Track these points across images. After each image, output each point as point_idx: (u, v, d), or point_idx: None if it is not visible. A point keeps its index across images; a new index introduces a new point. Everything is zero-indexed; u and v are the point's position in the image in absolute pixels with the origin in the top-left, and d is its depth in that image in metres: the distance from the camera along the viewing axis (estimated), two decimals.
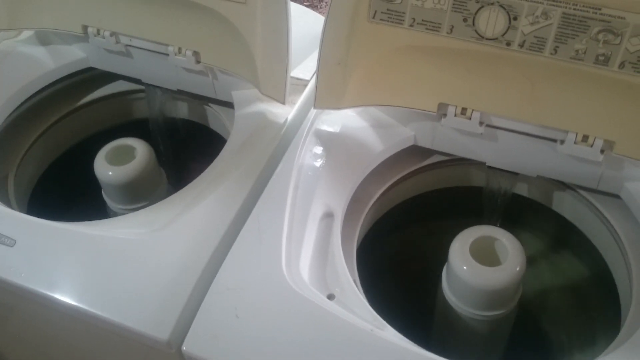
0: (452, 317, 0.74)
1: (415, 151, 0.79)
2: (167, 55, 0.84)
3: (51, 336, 0.75)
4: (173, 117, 1.00)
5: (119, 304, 0.61)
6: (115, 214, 0.88)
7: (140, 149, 0.86)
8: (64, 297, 0.63)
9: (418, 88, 0.71)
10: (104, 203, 0.90)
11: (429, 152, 0.80)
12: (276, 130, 0.78)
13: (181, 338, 0.59)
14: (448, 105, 0.71)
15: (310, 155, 0.73)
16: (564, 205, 0.79)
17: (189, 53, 0.82)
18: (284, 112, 0.80)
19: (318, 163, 0.73)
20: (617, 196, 0.72)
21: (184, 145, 1.04)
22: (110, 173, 0.85)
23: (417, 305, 0.87)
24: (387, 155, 0.77)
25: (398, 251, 0.90)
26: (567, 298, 0.86)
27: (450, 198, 0.85)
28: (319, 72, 0.71)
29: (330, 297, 0.63)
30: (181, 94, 0.94)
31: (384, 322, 0.59)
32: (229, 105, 0.88)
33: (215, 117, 0.94)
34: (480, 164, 0.78)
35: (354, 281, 0.66)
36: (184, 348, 0.58)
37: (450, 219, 0.87)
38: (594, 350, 0.72)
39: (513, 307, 0.72)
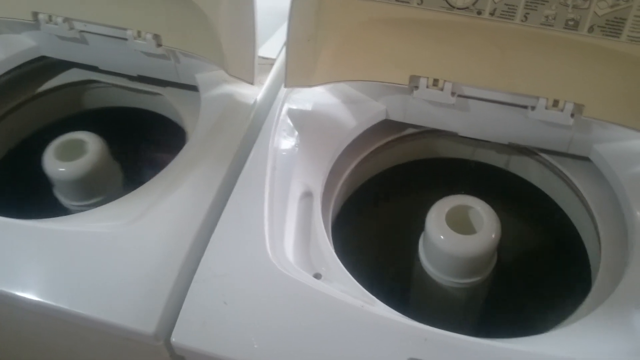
0: (429, 286, 0.75)
1: (387, 125, 0.78)
2: (126, 39, 0.81)
3: (31, 340, 0.72)
4: (123, 106, 0.96)
5: (100, 301, 0.59)
6: (70, 212, 0.85)
7: (91, 142, 0.82)
8: (40, 298, 0.60)
9: (389, 61, 0.71)
10: (56, 200, 0.86)
11: (401, 126, 0.80)
12: (246, 112, 0.76)
13: (168, 330, 0.57)
14: (420, 77, 0.71)
15: (284, 136, 0.72)
16: (532, 172, 0.81)
17: (148, 36, 0.79)
18: (253, 93, 0.78)
19: (293, 143, 0.72)
20: (585, 159, 0.73)
21: (136, 135, 1.00)
22: (61, 169, 0.81)
23: (394, 276, 0.88)
24: (360, 131, 0.76)
25: (373, 224, 0.90)
26: (538, 263, 0.89)
27: (424, 170, 0.85)
28: (288, 49, 0.69)
29: (317, 276, 0.62)
30: (133, 81, 0.90)
31: (373, 297, 0.60)
32: (188, 88, 0.85)
33: (166, 104, 0.90)
34: (452, 135, 0.79)
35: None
36: (173, 339, 0.56)
37: (424, 191, 0.87)
38: (565, 314, 0.74)
39: (489, 274, 0.73)
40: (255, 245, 0.61)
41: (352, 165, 0.78)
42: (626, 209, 0.67)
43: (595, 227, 0.71)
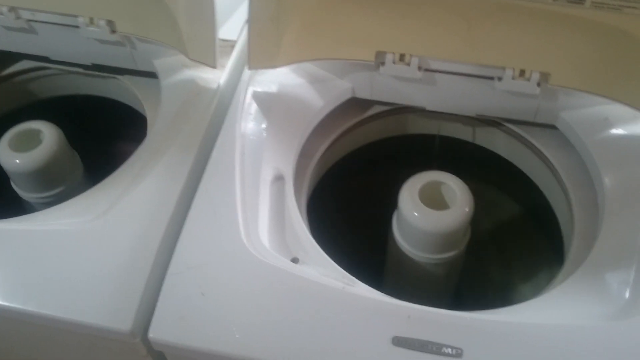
0: (405, 263, 0.75)
1: (355, 103, 0.77)
2: (77, 27, 0.77)
3: (3, 348, 0.69)
4: (79, 94, 0.92)
5: (71, 301, 0.57)
6: (30, 204, 0.82)
7: (47, 131, 0.79)
8: (8, 302, 0.57)
9: (354, 38, 0.69)
10: (14, 193, 0.83)
11: (368, 103, 0.79)
12: (210, 97, 0.74)
13: (145, 326, 0.56)
14: (386, 53, 0.70)
15: (250, 119, 0.70)
16: (499, 143, 0.81)
17: (102, 23, 0.76)
18: (215, 77, 0.76)
19: (260, 126, 0.70)
20: (552, 127, 0.74)
21: (94, 123, 0.97)
22: (17, 161, 0.77)
23: (371, 255, 0.88)
24: (327, 111, 0.75)
25: (346, 204, 0.89)
26: (511, 234, 0.89)
27: (392, 147, 0.85)
28: (250, 30, 0.67)
29: (295, 260, 0.61)
30: (88, 68, 0.87)
31: (353, 278, 0.59)
32: (147, 75, 0.82)
33: (125, 89, 0.87)
34: (419, 110, 0.78)
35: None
36: (150, 335, 0.55)
37: (394, 168, 0.87)
38: (540, 285, 0.75)
39: (463, 248, 0.73)
40: (229, 233, 0.60)
41: (322, 147, 0.77)
42: (595, 174, 0.68)
43: (566, 195, 0.72)
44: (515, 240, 0.88)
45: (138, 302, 0.57)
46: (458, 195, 0.70)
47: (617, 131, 0.69)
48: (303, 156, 0.73)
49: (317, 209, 0.76)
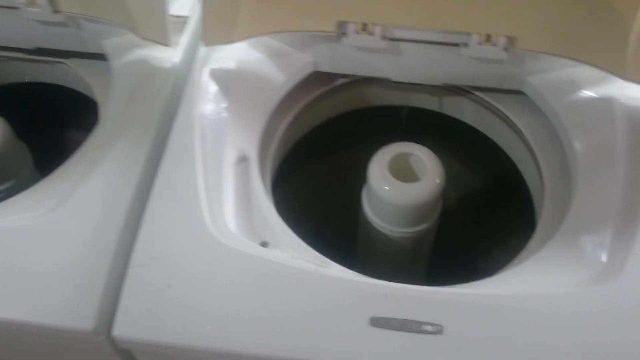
0: (377, 238, 0.73)
1: (318, 77, 0.74)
2: (16, 8, 0.72)
3: None
4: (24, 82, 0.86)
5: (27, 302, 0.53)
6: None
7: None
8: None
9: (314, 9, 0.66)
10: None
11: (331, 77, 0.76)
12: (165, 77, 0.70)
13: (109, 323, 0.52)
14: (347, 22, 0.67)
15: (209, 99, 0.67)
16: (466, 111, 0.79)
17: (43, 2, 0.71)
18: (169, 56, 0.72)
19: (220, 106, 0.66)
20: (519, 93, 0.73)
21: (42, 112, 0.91)
22: None
23: (342, 231, 0.86)
24: (289, 86, 0.72)
25: (314, 181, 0.87)
26: (482, 203, 0.88)
27: (358, 120, 0.83)
28: (204, 4, 0.63)
29: (264, 244, 0.59)
30: (32, 53, 0.81)
31: (326, 258, 0.57)
32: (95, 57, 0.77)
33: (72, 75, 0.81)
34: (384, 82, 0.76)
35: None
36: (115, 332, 0.51)
37: (361, 141, 0.84)
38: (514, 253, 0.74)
39: (435, 220, 0.72)
40: (193, 220, 0.57)
41: (286, 123, 0.74)
42: (564, 138, 0.67)
43: (535, 161, 0.71)
44: (487, 209, 0.87)
45: (99, 298, 0.53)
46: (428, 167, 0.68)
47: (585, 94, 0.68)
48: (266, 134, 0.70)
49: (284, 188, 0.73)
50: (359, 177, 0.71)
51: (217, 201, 0.59)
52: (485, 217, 0.88)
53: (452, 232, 0.89)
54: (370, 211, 0.72)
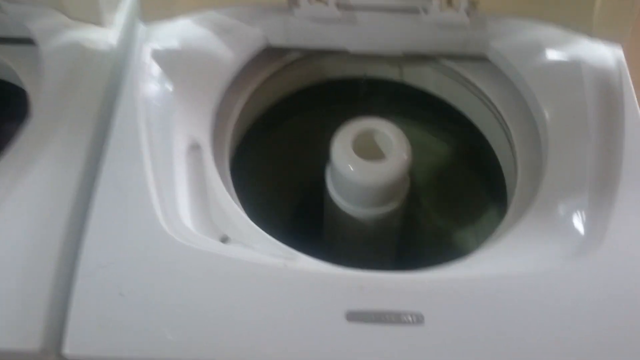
0: (343, 221, 0.70)
1: (270, 52, 0.69)
2: None
3: None
4: None
5: None
6: None
7: None
8: None
9: None
10: None
11: (285, 51, 0.71)
12: (101, 62, 0.64)
13: (58, 340, 0.47)
14: None
15: (153, 83, 0.61)
16: (428, 80, 0.76)
17: None
18: (105, 37, 0.65)
19: (165, 89, 0.61)
20: (483, 59, 0.69)
21: None
22: None
23: (306, 216, 0.82)
24: (240, 64, 0.66)
25: (274, 163, 0.82)
26: (451, 177, 0.85)
27: (316, 96, 0.78)
28: None
29: (224, 239, 0.54)
30: None
31: (292, 250, 0.52)
32: (21, 42, 0.69)
33: None
34: (341, 53, 0.71)
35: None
36: (66, 351, 0.46)
37: (321, 118, 0.80)
38: (488, 229, 0.72)
39: (403, 198, 0.69)
40: (144, 219, 0.51)
41: (240, 104, 0.69)
42: (532, 104, 0.64)
43: (505, 130, 0.68)
44: (456, 183, 0.85)
45: (45, 314, 0.48)
46: (394, 143, 0.64)
47: (552, 57, 0.65)
48: (219, 117, 0.64)
49: (243, 174, 0.68)
50: (323, 156, 0.67)
51: (170, 196, 0.54)
52: (455, 191, 0.85)
53: (421, 209, 0.86)
54: (335, 192, 0.68)
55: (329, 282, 0.49)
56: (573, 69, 0.63)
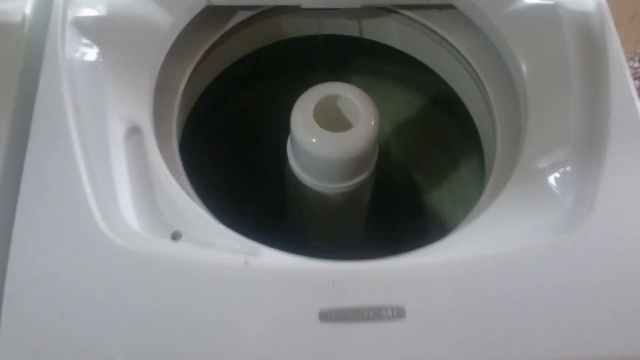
0: (306, 196, 0.64)
1: (214, 14, 0.61)
2: None
3: None
4: None
5: None
6: None
7: None
8: None
9: None
10: None
11: (230, 11, 0.63)
12: (16, 35, 0.54)
13: None
14: None
15: (78, 57, 0.53)
16: (392, 34, 0.69)
17: None
18: (17, 7, 0.56)
19: (93, 64, 0.52)
20: (450, 8, 0.62)
21: None
22: None
23: (268, 194, 0.76)
24: (180, 29, 0.59)
25: (230, 139, 0.75)
26: (425, 144, 0.80)
27: (269, 58, 0.70)
28: None
29: (176, 236, 0.47)
30: None
31: (254, 243, 0.46)
32: None
33: None
34: (293, 9, 0.64)
35: (188, 194, 0.51)
36: None
37: (277, 83, 0.73)
38: (469, 197, 0.67)
39: (372, 169, 0.63)
40: (79, 220, 0.45)
41: (185, 74, 0.61)
42: (508, 56, 0.58)
43: (478, 85, 0.62)
44: (429, 146, 0.79)
45: None
46: (360, 109, 0.58)
47: (525, 1, 0.58)
48: (161, 92, 0.57)
49: (196, 156, 0.61)
50: (283, 127, 0.61)
51: (109, 190, 0.47)
52: (428, 157, 0.80)
53: (393, 180, 0.81)
54: (297, 166, 0.62)
55: (296, 279, 0.43)
56: (550, 15, 0.57)
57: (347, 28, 0.70)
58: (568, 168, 0.49)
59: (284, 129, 0.60)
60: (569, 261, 0.44)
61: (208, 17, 0.61)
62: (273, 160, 0.67)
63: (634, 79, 1.12)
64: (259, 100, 0.74)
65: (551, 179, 0.49)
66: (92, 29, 0.54)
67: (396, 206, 0.81)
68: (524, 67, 0.56)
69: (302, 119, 0.57)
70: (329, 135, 0.57)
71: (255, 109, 0.75)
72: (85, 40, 0.53)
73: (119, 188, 0.48)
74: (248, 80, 0.71)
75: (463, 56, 0.62)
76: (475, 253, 0.45)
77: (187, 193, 0.52)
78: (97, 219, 0.45)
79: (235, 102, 0.72)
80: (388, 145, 0.77)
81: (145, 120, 0.52)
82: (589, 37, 0.55)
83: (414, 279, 0.43)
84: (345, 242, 0.73)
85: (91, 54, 0.53)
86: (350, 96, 0.59)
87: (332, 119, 0.59)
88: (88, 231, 0.44)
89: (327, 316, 0.42)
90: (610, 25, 0.56)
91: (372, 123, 0.58)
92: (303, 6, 0.63)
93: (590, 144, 0.50)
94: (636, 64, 1.23)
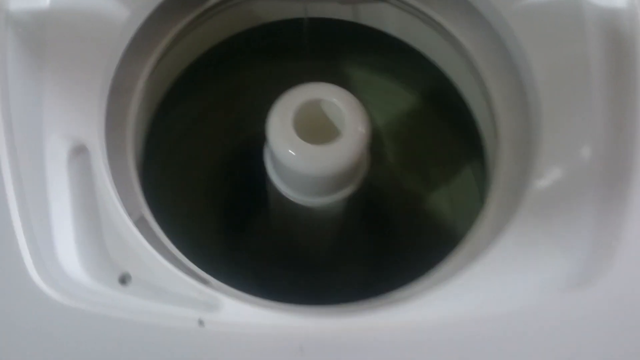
0: (289, 209, 0.57)
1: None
2: None
3: None
4: None
5: None
6: None
7: None
8: None
9: None
10: None
11: None
12: None
13: None
14: None
15: (13, 62, 0.45)
16: (389, 20, 0.61)
17: None
18: None
19: (30, 70, 0.45)
20: None
21: None
22: None
23: (242, 200, 0.69)
24: (140, 21, 0.50)
25: (200, 146, 0.67)
26: (421, 135, 0.72)
27: (247, 46, 0.62)
28: None
29: (125, 278, 0.41)
30: None
31: (214, 292, 0.40)
32: None
33: None
34: None
35: (142, 218, 0.45)
36: None
37: (257, 74, 0.65)
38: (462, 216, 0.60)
39: (361, 180, 0.56)
40: (7, 270, 0.38)
41: (145, 71, 0.53)
42: (519, 56, 0.50)
43: (480, 82, 0.54)
44: (426, 146, 0.71)
45: None
46: (346, 118, 0.50)
47: None
48: (115, 96, 0.49)
49: (160, 165, 0.54)
50: (261, 127, 0.53)
51: (44, 227, 0.40)
52: (425, 159, 0.72)
53: (387, 183, 0.73)
54: (276, 177, 0.55)
55: (260, 343, 0.37)
56: (571, 10, 0.48)
57: (339, 11, 0.61)
58: (586, 204, 0.42)
59: (263, 129, 0.52)
60: (585, 324, 0.38)
61: (171, 2, 0.52)
62: (249, 167, 0.59)
63: None
64: (233, 97, 0.66)
65: (564, 216, 0.42)
66: (30, 27, 0.46)
67: (390, 211, 0.74)
68: (537, 72, 0.48)
69: (280, 124, 0.50)
70: (309, 148, 0.49)
71: (230, 107, 0.67)
72: (21, 41, 0.46)
73: (58, 226, 0.41)
74: (219, 74, 0.63)
75: (466, 50, 0.54)
76: (471, 310, 0.38)
77: (142, 216, 0.46)
78: (29, 268, 0.38)
79: (205, 101, 0.64)
80: (381, 146, 0.70)
81: (94, 136, 0.45)
82: (616, 39, 0.47)
83: (394, 345, 0.37)
84: (332, 252, 0.67)
85: (28, 57, 0.45)
86: (335, 100, 0.51)
87: (316, 126, 0.51)
88: (18, 284, 0.38)
89: None
90: None
91: (360, 133, 0.50)
92: None
93: (613, 172, 0.43)
94: None
